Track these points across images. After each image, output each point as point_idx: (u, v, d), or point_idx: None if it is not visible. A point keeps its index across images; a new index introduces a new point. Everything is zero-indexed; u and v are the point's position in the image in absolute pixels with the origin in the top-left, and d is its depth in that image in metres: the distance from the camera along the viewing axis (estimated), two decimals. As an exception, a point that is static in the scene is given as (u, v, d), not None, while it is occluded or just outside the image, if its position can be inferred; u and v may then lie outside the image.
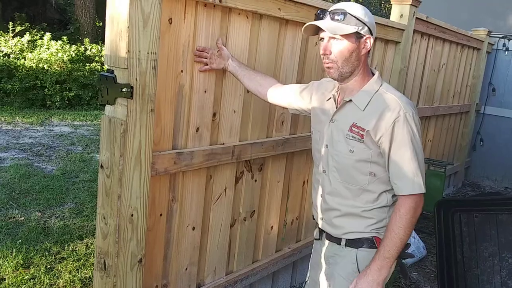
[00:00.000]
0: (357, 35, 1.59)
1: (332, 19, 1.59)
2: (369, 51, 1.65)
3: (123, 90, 1.65)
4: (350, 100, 1.66)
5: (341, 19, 1.57)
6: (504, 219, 2.65)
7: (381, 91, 1.63)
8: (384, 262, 1.57)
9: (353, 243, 1.70)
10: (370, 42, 1.61)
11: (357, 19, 1.57)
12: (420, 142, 1.60)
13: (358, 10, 1.60)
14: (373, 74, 1.70)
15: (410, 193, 1.56)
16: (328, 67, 1.64)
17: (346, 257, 1.72)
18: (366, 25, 1.59)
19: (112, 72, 1.69)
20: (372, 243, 1.68)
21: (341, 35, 1.57)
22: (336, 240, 1.75)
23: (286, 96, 1.99)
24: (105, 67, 1.72)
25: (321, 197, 1.79)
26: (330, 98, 1.77)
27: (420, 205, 1.59)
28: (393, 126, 1.55)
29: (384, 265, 1.57)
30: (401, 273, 1.76)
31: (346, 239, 1.72)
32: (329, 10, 1.62)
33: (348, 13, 1.57)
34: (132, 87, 1.65)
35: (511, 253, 2.60)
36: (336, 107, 1.72)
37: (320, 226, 1.84)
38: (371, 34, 1.61)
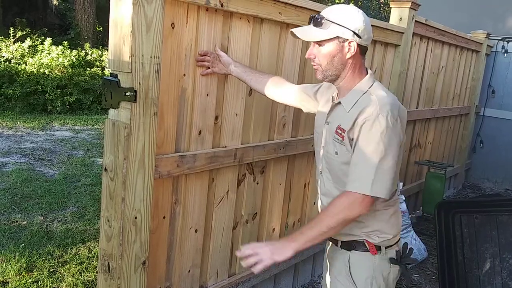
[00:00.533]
0: (340, 39, 1.59)
1: (314, 25, 1.61)
2: (364, 53, 1.65)
3: (127, 94, 1.67)
4: (340, 102, 1.68)
5: (320, 25, 1.59)
6: (504, 220, 2.67)
7: (369, 92, 1.62)
8: (298, 237, 1.51)
9: (346, 245, 1.71)
10: (354, 45, 1.59)
11: (337, 24, 1.57)
12: (392, 145, 1.51)
13: (339, 14, 1.59)
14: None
15: (351, 190, 1.51)
16: (315, 69, 1.68)
17: (340, 259, 1.74)
18: (349, 29, 1.57)
19: (116, 76, 1.71)
20: (363, 246, 1.68)
21: (322, 40, 1.59)
22: (334, 241, 1.78)
23: (299, 97, 2.01)
24: (106, 72, 1.76)
25: (319, 198, 1.82)
26: (329, 99, 1.79)
27: (359, 208, 1.50)
28: (363, 124, 1.53)
29: (296, 239, 1.50)
30: (403, 276, 1.76)
31: (341, 241, 1.73)
32: (312, 16, 1.65)
33: (326, 19, 1.58)
34: (135, 91, 1.67)
35: (511, 254, 2.61)
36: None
37: None
38: (359, 37, 1.59)
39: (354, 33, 1.58)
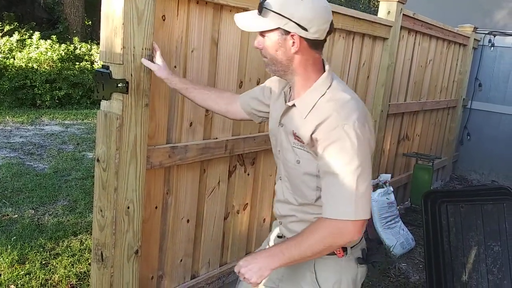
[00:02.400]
0: (281, 31, 1.36)
1: (258, 12, 1.40)
2: (317, 47, 1.41)
3: (119, 85, 1.70)
4: (294, 105, 1.46)
5: (261, 13, 1.38)
6: (489, 209, 2.73)
7: (327, 95, 1.39)
8: (278, 256, 1.38)
9: None
10: (297, 40, 1.36)
11: (276, 13, 1.34)
12: (365, 157, 1.32)
13: (281, 2, 1.35)
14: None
15: (333, 216, 1.33)
16: (264, 61, 1.50)
17: (304, 265, 1.53)
18: (291, 20, 1.34)
19: (108, 68, 1.73)
20: None
21: (264, 31, 1.39)
22: None
23: (248, 108, 1.76)
24: (96, 66, 1.77)
25: (276, 204, 1.64)
26: (281, 95, 1.58)
27: (345, 234, 1.32)
28: (330, 139, 1.32)
29: (276, 258, 1.38)
30: (370, 274, 1.66)
31: None
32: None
33: (265, 7, 1.36)
34: (127, 82, 1.70)
35: (496, 241, 2.68)
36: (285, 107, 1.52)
37: (279, 230, 1.68)
38: (305, 29, 1.34)
39: (298, 24, 1.34)
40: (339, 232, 1.33)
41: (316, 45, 1.40)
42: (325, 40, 1.41)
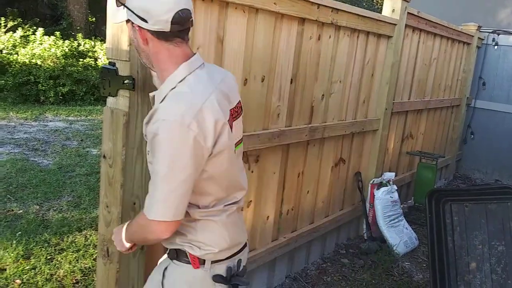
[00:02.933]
0: (132, 23, 1.35)
1: (116, 3, 1.40)
2: (168, 39, 1.32)
3: (125, 82, 1.70)
4: (154, 96, 1.42)
5: (117, 4, 1.38)
6: (493, 208, 2.73)
7: (177, 88, 1.32)
8: (124, 233, 1.49)
9: (170, 253, 1.46)
10: (141, 31, 1.33)
11: (124, 5, 1.34)
12: (179, 159, 1.25)
13: None
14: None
15: (143, 211, 1.33)
16: None
17: (160, 266, 1.50)
18: (132, 12, 1.31)
19: (114, 64, 1.74)
20: (185, 257, 1.41)
21: (122, 22, 1.41)
22: (164, 247, 1.52)
23: None
24: (99, 63, 1.77)
25: None
26: None
27: (150, 231, 1.33)
28: (151, 131, 1.27)
29: (123, 234, 1.49)
30: None
31: (168, 248, 1.47)
32: None
33: None
34: (134, 79, 1.71)
35: (500, 241, 2.68)
36: None
37: None
38: (145, 21, 1.29)
39: (138, 16, 1.30)
40: (145, 227, 1.35)
41: (165, 37, 1.32)
42: (181, 31, 1.33)
